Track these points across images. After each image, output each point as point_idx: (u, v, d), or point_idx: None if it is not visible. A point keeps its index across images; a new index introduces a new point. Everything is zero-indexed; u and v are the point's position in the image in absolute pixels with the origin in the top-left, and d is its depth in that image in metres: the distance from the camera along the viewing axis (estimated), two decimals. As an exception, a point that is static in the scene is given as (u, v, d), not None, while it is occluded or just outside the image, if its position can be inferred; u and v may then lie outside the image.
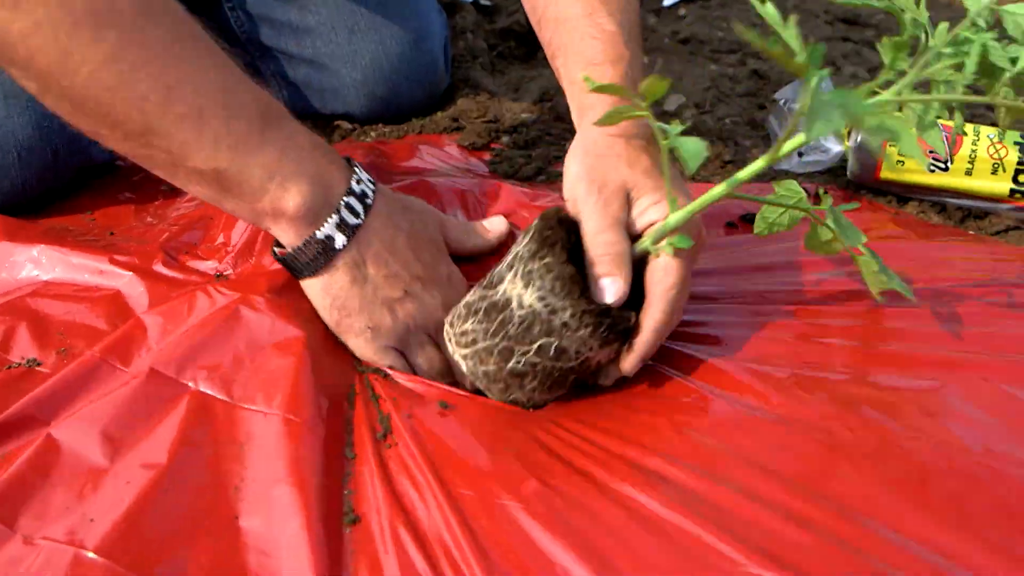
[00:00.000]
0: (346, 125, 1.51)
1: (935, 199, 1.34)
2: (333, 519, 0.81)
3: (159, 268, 1.11)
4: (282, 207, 0.94)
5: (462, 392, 0.97)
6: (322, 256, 0.96)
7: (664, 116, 1.62)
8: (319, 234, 0.95)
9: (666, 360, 0.97)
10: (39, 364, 0.99)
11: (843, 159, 1.42)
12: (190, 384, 0.92)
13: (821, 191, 1.35)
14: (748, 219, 1.23)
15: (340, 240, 0.96)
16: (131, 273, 1.10)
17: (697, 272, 1.03)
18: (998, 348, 0.95)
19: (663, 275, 0.92)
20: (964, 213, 1.32)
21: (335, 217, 0.96)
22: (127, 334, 0.99)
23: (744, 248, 1.18)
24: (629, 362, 0.92)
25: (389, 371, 0.99)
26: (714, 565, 0.73)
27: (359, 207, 0.97)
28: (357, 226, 0.97)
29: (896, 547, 0.73)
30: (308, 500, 0.81)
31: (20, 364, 0.99)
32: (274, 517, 0.80)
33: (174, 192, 1.32)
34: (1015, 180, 1.29)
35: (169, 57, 0.88)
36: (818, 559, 0.72)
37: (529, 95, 1.66)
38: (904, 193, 1.36)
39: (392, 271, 0.98)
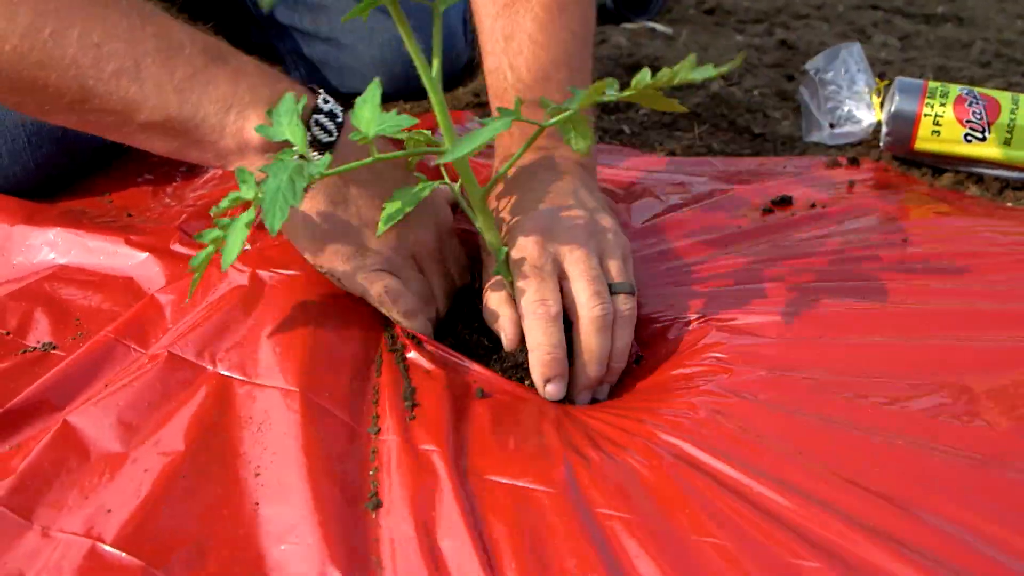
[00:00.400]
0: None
1: (972, 170, 1.31)
2: (354, 503, 0.79)
3: (176, 248, 1.09)
4: (246, 138, 0.89)
5: (498, 376, 0.92)
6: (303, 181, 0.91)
7: (691, 88, 1.58)
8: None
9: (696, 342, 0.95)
10: (55, 348, 0.97)
11: (876, 130, 1.38)
12: (208, 366, 0.89)
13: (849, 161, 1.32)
14: (781, 202, 1.19)
15: (317, 159, 0.89)
16: (147, 254, 1.08)
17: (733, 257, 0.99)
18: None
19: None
20: (1002, 184, 1.29)
21: (307, 135, 0.89)
22: (141, 313, 0.97)
23: (782, 233, 1.14)
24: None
25: (421, 338, 0.94)
26: (768, 553, 0.71)
27: (331, 124, 0.91)
28: (331, 144, 0.91)
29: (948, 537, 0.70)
30: (320, 485, 0.78)
31: (36, 348, 0.97)
32: (291, 503, 0.77)
33: (193, 173, 1.29)
34: (1056, 149, 1.25)
35: (91, 16, 0.85)
36: (864, 549, 0.70)
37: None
38: (940, 164, 1.32)
39: (376, 191, 0.92)
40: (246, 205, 0.84)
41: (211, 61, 0.89)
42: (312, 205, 0.92)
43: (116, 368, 0.91)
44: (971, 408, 0.83)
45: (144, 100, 0.87)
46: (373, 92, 0.85)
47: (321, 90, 0.94)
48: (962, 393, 0.85)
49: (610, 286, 0.91)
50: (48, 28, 0.84)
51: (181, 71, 0.88)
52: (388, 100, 1.48)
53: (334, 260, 0.94)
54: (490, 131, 0.79)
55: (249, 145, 0.90)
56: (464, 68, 1.56)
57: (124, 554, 0.73)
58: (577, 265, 0.90)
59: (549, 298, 0.89)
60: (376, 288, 0.94)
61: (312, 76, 1.49)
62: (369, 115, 0.84)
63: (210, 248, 0.85)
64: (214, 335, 0.92)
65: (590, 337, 0.89)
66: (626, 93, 0.81)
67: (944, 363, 0.88)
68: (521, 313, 0.90)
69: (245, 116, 0.89)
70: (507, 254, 0.91)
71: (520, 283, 0.90)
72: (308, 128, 0.89)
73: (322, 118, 0.91)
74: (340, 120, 0.93)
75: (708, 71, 0.76)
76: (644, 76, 0.80)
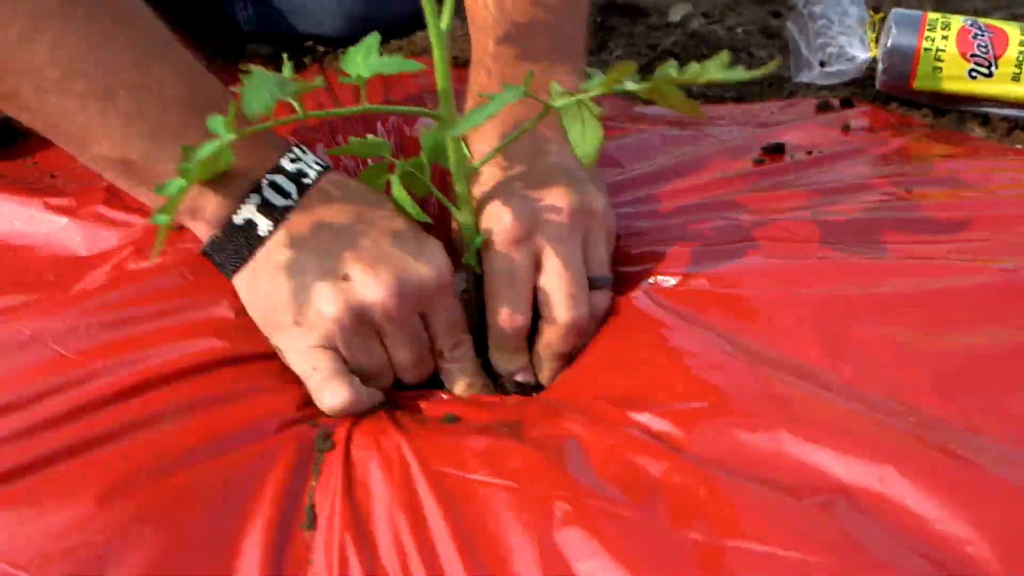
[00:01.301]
0: (319, 48, 1.37)
1: (977, 109, 1.22)
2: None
3: (101, 210, 0.99)
4: (200, 207, 0.81)
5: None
6: (245, 247, 0.81)
7: (669, 27, 1.47)
8: (237, 219, 0.81)
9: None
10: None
11: (871, 67, 1.29)
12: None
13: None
14: (772, 149, 1.09)
15: (264, 225, 0.81)
16: (67, 219, 0.98)
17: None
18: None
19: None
20: (1010, 125, 1.20)
21: (255, 197, 0.80)
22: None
23: (774, 183, 1.04)
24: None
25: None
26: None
27: (290, 187, 0.81)
28: (287, 208, 0.81)
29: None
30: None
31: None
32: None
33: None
34: (1071, 85, 1.16)
35: (68, 24, 0.77)
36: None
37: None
38: (941, 104, 1.24)
39: (328, 253, 0.80)
40: None
41: (189, 111, 0.80)
42: (258, 270, 0.82)
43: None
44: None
45: (105, 135, 0.79)
46: (370, 41, 0.77)
47: (301, 147, 0.85)
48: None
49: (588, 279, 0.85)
50: (18, 27, 0.75)
51: (154, 112, 0.80)
52: (341, 45, 1.36)
53: (276, 331, 0.82)
54: (499, 103, 0.71)
55: (203, 216, 0.82)
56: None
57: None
58: (555, 264, 0.83)
59: (519, 311, 0.84)
60: (307, 367, 0.81)
61: (261, 17, 1.38)
62: (361, 59, 0.76)
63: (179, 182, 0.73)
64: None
65: (555, 335, 0.84)
66: (644, 86, 0.73)
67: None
68: (488, 310, 0.85)
69: (203, 188, 0.81)
70: (480, 245, 0.84)
71: (491, 285, 0.84)
72: (258, 190, 0.81)
73: (279, 179, 0.81)
74: (308, 181, 0.82)
75: (739, 73, 0.69)
76: (669, 70, 0.71)
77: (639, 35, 1.45)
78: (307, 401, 0.81)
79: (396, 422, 0.79)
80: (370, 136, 0.85)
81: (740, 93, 1.31)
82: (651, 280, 0.88)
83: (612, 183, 1.03)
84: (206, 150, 0.72)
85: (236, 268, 0.82)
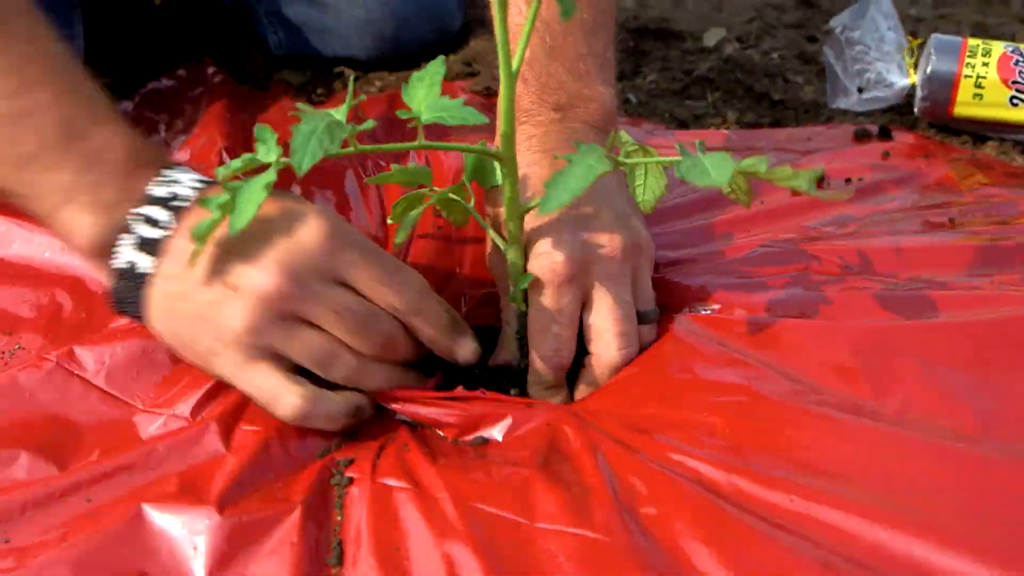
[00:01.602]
0: (349, 72, 1.37)
1: (1018, 137, 1.20)
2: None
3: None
4: (75, 242, 0.78)
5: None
6: (134, 289, 0.77)
7: (704, 52, 1.46)
8: (117, 263, 0.77)
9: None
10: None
11: (910, 94, 1.26)
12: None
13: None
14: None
15: (145, 262, 0.76)
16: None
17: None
18: None
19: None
20: (1054, 153, 1.18)
21: (129, 237, 0.77)
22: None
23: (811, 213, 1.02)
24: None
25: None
26: None
27: (162, 215, 0.77)
28: (163, 239, 0.76)
29: None
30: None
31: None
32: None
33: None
34: (1115, 113, 1.13)
35: None
36: None
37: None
38: (982, 131, 1.22)
39: (205, 266, 0.75)
40: (262, 169, 0.72)
41: (64, 139, 0.77)
42: (158, 310, 0.78)
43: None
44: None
45: None
46: (435, 69, 0.75)
47: (174, 166, 0.80)
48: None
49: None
50: None
51: (28, 145, 0.77)
52: (371, 69, 1.36)
53: (208, 365, 0.78)
54: (589, 174, 0.69)
55: (79, 248, 0.79)
56: (456, 34, 1.44)
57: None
58: (606, 303, 0.82)
59: (564, 351, 0.82)
60: (255, 381, 0.77)
61: (291, 40, 1.38)
62: (424, 94, 0.74)
63: (216, 215, 0.72)
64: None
65: (604, 373, 0.83)
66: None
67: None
68: (532, 346, 0.82)
69: (77, 219, 0.77)
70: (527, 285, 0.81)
71: (538, 323, 0.82)
72: (127, 229, 0.77)
73: (149, 209, 0.77)
74: (181, 203, 0.77)
75: (827, 194, 0.76)
76: (760, 166, 0.71)
77: (674, 59, 1.44)
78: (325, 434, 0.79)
79: (425, 447, 0.77)
80: (412, 164, 0.83)
81: (777, 119, 1.29)
82: (690, 309, 0.86)
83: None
84: (205, 225, 0.71)
85: (140, 314, 0.78)
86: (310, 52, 1.38)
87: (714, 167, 0.67)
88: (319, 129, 0.67)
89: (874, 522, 0.62)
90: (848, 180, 1.07)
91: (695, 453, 0.70)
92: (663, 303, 0.87)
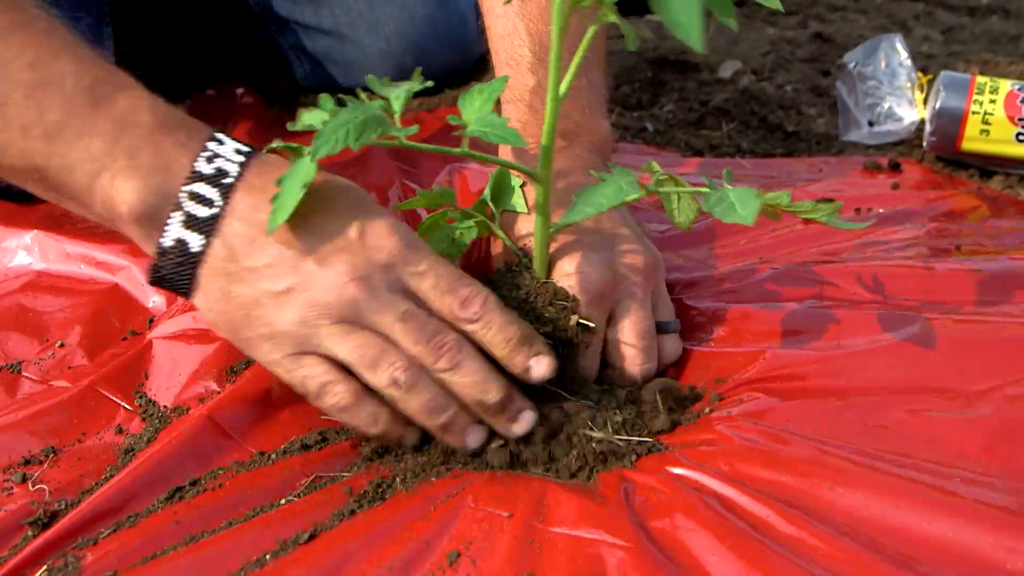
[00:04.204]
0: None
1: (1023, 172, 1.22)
2: None
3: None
4: (116, 210, 0.75)
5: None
6: (183, 267, 0.76)
7: (720, 83, 1.49)
8: (165, 240, 0.75)
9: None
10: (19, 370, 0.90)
11: (919, 128, 1.29)
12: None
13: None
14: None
15: (196, 241, 0.75)
16: (130, 264, 1.00)
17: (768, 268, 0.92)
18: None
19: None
20: (1059, 188, 1.20)
21: (178, 214, 0.75)
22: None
23: (823, 241, 1.05)
24: None
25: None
26: None
27: (211, 192, 0.75)
28: (214, 217, 0.75)
29: None
30: None
31: (2, 368, 0.89)
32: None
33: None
34: (1120, 149, 1.16)
35: None
36: None
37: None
38: (988, 165, 1.25)
39: (271, 256, 0.75)
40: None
41: (93, 104, 0.75)
42: (208, 291, 0.77)
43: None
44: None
45: (9, 142, 0.75)
46: (496, 86, 0.78)
47: (220, 136, 0.78)
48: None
49: (657, 324, 0.86)
50: None
51: (54, 113, 0.74)
52: (396, 96, 1.39)
53: (249, 350, 0.78)
54: (619, 194, 0.72)
55: (121, 217, 0.76)
56: (477, 62, 1.47)
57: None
58: (630, 321, 0.84)
59: (592, 366, 0.84)
60: (297, 378, 0.77)
61: (316, 72, 1.41)
62: (477, 106, 0.76)
63: (295, 193, 0.71)
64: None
65: (631, 383, 0.85)
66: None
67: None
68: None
69: (115, 186, 0.75)
70: None
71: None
72: (178, 206, 0.75)
73: (198, 187, 0.75)
74: (231, 180, 0.76)
75: (849, 224, 0.77)
76: (782, 198, 0.75)
77: (690, 90, 1.47)
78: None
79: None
80: (436, 187, 0.86)
81: (789, 150, 1.32)
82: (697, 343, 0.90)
83: (658, 240, 1.04)
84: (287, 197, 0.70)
85: (187, 291, 0.77)
86: (335, 84, 1.41)
87: (740, 202, 0.70)
88: (354, 122, 0.67)
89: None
90: (858, 210, 1.10)
91: None
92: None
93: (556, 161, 0.81)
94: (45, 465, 0.80)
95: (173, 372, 0.88)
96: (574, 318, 0.80)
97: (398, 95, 0.75)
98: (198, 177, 0.75)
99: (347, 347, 0.75)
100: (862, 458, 0.73)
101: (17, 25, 0.76)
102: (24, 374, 0.89)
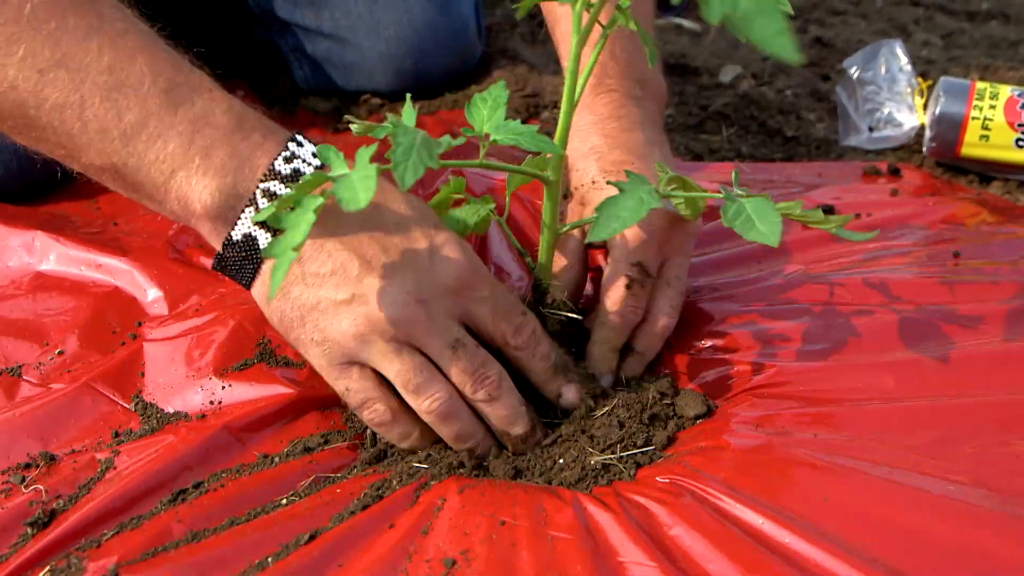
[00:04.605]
0: (374, 101, 1.40)
1: (1022, 178, 1.23)
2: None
3: (164, 264, 1.01)
4: (191, 208, 0.77)
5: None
6: (248, 261, 0.78)
7: (720, 88, 1.49)
8: (235, 234, 0.77)
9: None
10: (19, 374, 0.90)
11: (919, 134, 1.29)
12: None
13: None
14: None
15: (264, 238, 0.77)
16: (133, 269, 1.00)
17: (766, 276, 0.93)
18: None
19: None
20: (1058, 193, 1.20)
21: (250, 210, 0.77)
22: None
23: (823, 247, 1.05)
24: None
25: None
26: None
27: (287, 192, 0.77)
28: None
29: None
30: None
31: (3, 372, 0.89)
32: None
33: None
34: (1119, 156, 1.16)
35: (42, 34, 0.75)
36: None
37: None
38: (988, 171, 1.25)
39: (337, 264, 0.76)
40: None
41: (168, 106, 0.77)
42: (268, 287, 0.78)
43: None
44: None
45: (88, 143, 0.77)
46: (498, 92, 0.79)
47: (299, 138, 0.80)
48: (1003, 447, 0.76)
49: None
50: None
51: (132, 114, 0.76)
52: (395, 99, 1.40)
53: (300, 348, 0.80)
54: (640, 207, 0.71)
55: (195, 214, 0.78)
56: (477, 65, 1.47)
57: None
58: (673, 275, 0.89)
59: (640, 308, 0.88)
60: (341, 386, 0.80)
61: (316, 75, 1.41)
62: (487, 114, 0.77)
63: (300, 230, 0.70)
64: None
65: (656, 340, 0.89)
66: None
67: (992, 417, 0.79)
68: (609, 302, 0.87)
69: (191, 184, 0.77)
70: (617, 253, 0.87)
71: (614, 282, 0.87)
72: (252, 202, 0.77)
73: (274, 185, 0.77)
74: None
75: (857, 235, 0.79)
76: (794, 208, 0.76)
77: (690, 95, 1.47)
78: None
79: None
80: (451, 178, 0.87)
81: (789, 155, 1.32)
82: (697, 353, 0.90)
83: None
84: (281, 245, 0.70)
85: (247, 282, 0.80)
86: (334, 87, 1.42)
87: (759, 217, 0.70)
88: (417, 143, 0.67)
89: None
90: (857, 215, 1.10)
91: None
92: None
93: (627, 113, 0.91)
94: (43, 466, 0.80)
95: (172, 374, 0.88)
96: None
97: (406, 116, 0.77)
98: (274, 175, 0.77)
99: (394, 368, 0.77)
100: (860, 469, 0.73)
101: (94, 29, 0.77)
102: (24, 378, 0.89)
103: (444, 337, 0.77)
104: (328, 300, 0.77)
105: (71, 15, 0.76)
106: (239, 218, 0.77)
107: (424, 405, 0.78)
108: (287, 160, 0.77)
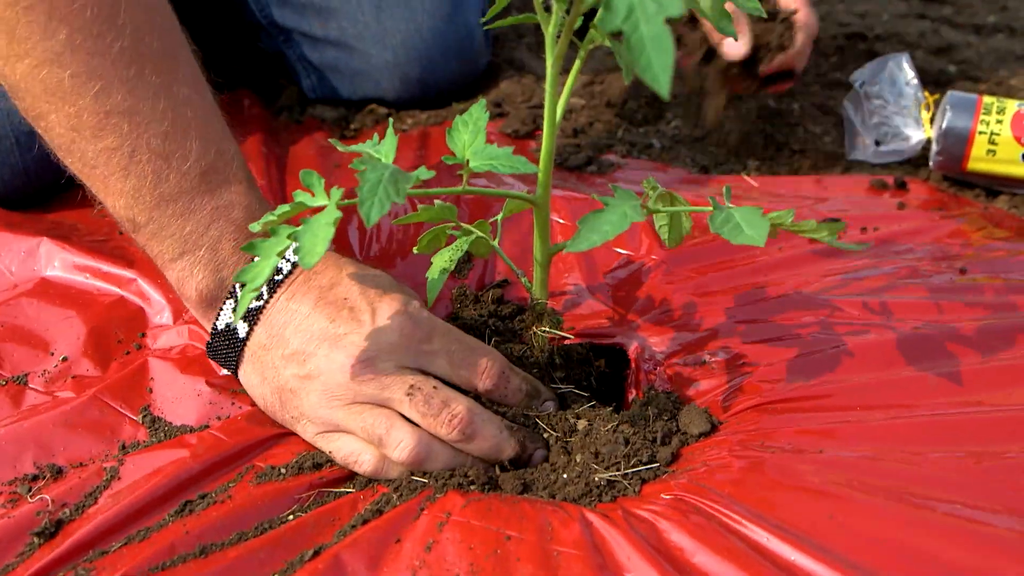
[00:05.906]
0: (380, 109, 1.40)
1: None
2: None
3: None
4: (185, 292, 0.85)
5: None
6: (230, 349, 0.84)
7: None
8: (219, 324, 0.84)
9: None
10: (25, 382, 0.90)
11: (925, 148, 1.29)
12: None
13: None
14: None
15: (243, 329, 0.83)
16: (136, 278, 1.00)
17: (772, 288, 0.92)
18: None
19: None
20: (1065, 209, 1.19)
21: (231, 302, 0.84)
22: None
23: (828, 261, 1.05)
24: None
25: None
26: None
27: (263, 288, 0.83)
28: (259, 309, 0.83)
29: None
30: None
31: (8, 381, 0.89)
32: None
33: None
34: None
35: (118, 78, 0.79)
36: None
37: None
38: (994, 185, 1.24)
39: (293, 346, 0.82)
40: (314, 211, 0.73)
41: (202, 189, 0.82)
42: (248, 373, 0.85)
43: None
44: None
45: (121, 193, 0.82)
46: (477, 115, 0.80)
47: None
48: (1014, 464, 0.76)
49: None
50: (72, 67, 0.78)
51: (168, 186, 0.82)
52: (402, 108, 1.40)
53: (289, 427, 0.85)
54: (623, 221, 0.71)
55: (189, 299, 0.86)
56: (484, 75, 1.47)
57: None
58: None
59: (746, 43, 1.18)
60: (329, 452, 0.83)
61: (323, 83, 1.41)
62: (468, 139, 0.78)
63: (271, 261, 0.74)
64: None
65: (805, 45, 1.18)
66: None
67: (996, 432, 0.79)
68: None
69: (191, 272, 0.84)
70: None
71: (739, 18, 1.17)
72: (232, 294, 0.84)
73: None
74: (281, 277, 0.84)
75: (849, 245, 0.79)
76: (785, 217, 0.76)
77: (696, 105, 1.46)
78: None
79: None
80: (438, 202, 0.86)
81: (795, 168, 1.32)
82: (697, 360, 0.90)
83: (671, 254, 1.05)
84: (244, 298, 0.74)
85: (233, 369, 0.85)
86: (341, 96, 1.41)
87: (747, 222, 0.70)
88: (385, 178, 0.68)
89: None
90: (864, 229, 1.10)
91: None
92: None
93: None
94: (49, 477, 0.80)
95: (179, 385, 0.89)
96: None
97: (384, 150, 0.78)
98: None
99: (358, 427, 0.81)
100: (867, 486, 0.73)
101: (164, 88, 0.81)
102: (30, 386, 0.89)
103: (398, 387, 0.80)
104: (294, 377, 0.81)
105: (149, 67, 0.80)
106: (222, 309, 0.83)
107: (394, 455, 0.80)
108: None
